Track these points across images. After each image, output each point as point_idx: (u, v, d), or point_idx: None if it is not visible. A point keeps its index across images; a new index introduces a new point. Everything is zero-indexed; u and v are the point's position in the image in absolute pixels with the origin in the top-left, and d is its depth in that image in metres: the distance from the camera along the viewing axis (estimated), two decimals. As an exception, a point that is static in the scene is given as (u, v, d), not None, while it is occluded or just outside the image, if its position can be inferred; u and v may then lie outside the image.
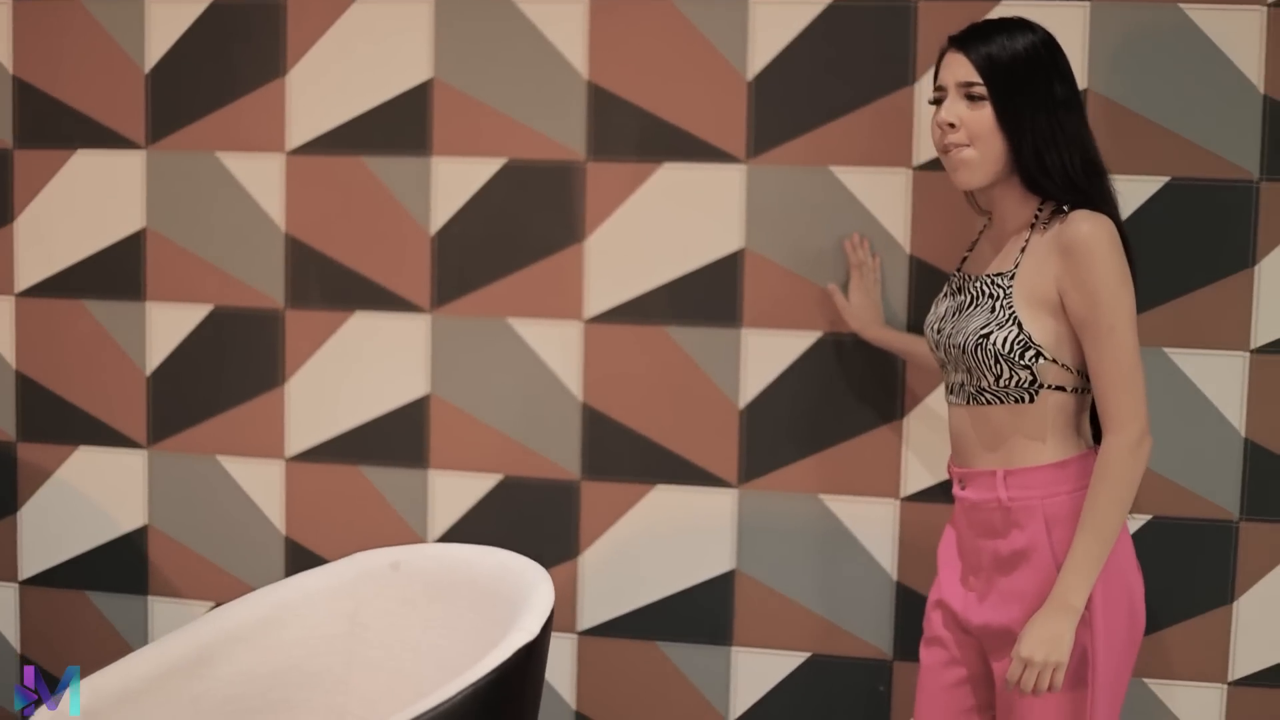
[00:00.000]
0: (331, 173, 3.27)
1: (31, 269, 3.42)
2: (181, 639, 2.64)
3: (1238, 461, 3.00)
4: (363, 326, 3.30)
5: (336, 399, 3.33)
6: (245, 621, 2.68)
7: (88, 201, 3.37)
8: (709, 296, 3.15)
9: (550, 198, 3.20)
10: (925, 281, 3.05)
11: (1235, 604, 3.03)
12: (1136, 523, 3.01)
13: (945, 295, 2.68)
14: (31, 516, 3.49)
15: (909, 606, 3.12)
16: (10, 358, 3.45)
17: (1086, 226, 2.43)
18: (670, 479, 3.20)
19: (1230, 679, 3.04)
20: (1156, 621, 2.97)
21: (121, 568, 3.45)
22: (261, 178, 3.30)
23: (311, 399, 3.34)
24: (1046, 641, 2.40)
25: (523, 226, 3.21)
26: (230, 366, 3.37)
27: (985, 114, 2.49)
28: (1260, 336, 2.98)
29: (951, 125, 2.52)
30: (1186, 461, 2.97)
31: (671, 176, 3.14)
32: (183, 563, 3.41)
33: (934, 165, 3.00)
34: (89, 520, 3.46)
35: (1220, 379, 2.99)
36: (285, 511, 3.36)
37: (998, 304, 2.51)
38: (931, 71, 2.67)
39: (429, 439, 3.29)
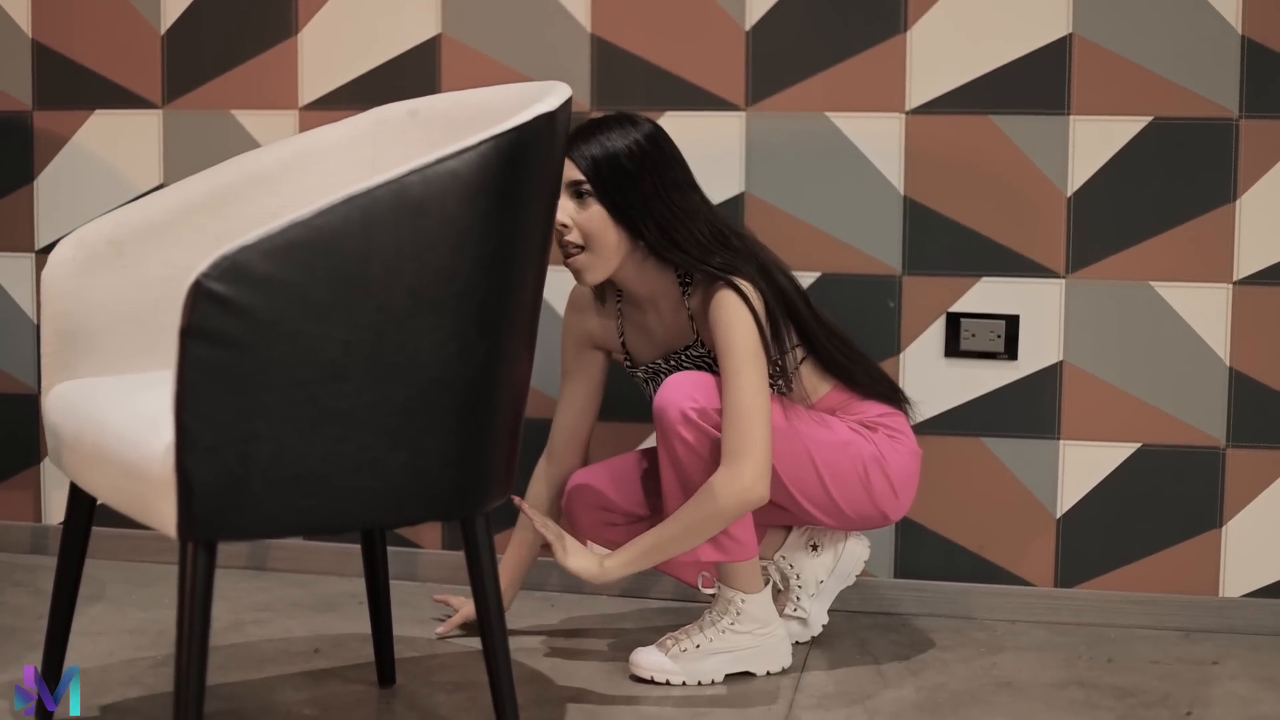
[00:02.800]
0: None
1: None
2: (204, 180, 2.61)
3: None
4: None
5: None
6: (266, 167, 2.66)
7: None
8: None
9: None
10: None
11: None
12: None
13: (645, 382, 2.82)
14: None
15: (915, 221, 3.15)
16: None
17: (724, 313, 2.58)
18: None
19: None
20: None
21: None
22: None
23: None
24: (577, 570, 2.65)
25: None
26: (242, 24, 3.34)
27: (595, 211, 2.61)
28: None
29: (565, 226, 2.62)
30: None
31: None
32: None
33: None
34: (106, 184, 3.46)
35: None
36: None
37: (713, 367, 2.67)
38: None
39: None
